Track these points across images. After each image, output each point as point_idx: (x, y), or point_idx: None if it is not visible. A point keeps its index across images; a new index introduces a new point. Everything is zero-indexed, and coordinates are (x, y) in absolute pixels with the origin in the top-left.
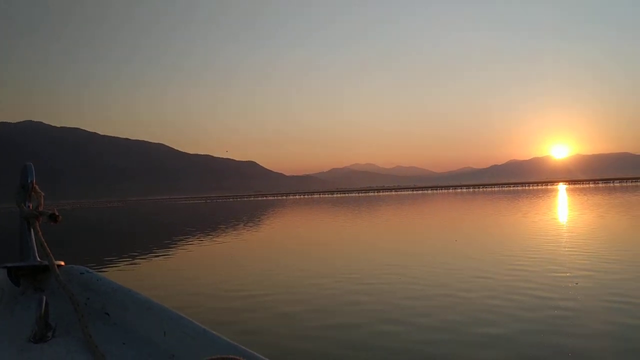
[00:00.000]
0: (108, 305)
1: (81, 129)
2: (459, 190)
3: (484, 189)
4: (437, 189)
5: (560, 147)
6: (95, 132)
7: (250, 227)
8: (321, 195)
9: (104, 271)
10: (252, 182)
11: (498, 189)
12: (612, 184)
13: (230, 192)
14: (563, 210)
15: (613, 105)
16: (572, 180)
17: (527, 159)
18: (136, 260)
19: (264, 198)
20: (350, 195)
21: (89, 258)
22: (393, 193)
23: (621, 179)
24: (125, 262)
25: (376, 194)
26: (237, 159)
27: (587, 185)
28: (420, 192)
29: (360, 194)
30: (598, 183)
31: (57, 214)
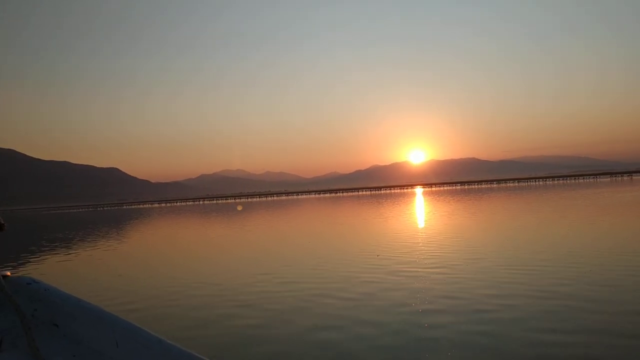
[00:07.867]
0: (57, 316)
1: None
2: (328, 195)
3: (351, 193)
4: (306, 194)
5: (417, 152)
6: None
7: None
8: (186, 203)
9: None
10: (114, 189)
11: (368, 192)
12: (459, 187)
13: (90, 201)
14: (412, 210)
15: (467, 111)
16: (427, 183)
17: (387, 164)
18: None
19: (128, 207)
20: (219, 202)
21: None
22: (269, 199)
23: (464, 182)
24: None
25: (248, 200)
26: (97, 165)
27: (441, 188)
28: (293, 197)
29: (234, 200)
30: (452, 186)
31: (2, 222)
